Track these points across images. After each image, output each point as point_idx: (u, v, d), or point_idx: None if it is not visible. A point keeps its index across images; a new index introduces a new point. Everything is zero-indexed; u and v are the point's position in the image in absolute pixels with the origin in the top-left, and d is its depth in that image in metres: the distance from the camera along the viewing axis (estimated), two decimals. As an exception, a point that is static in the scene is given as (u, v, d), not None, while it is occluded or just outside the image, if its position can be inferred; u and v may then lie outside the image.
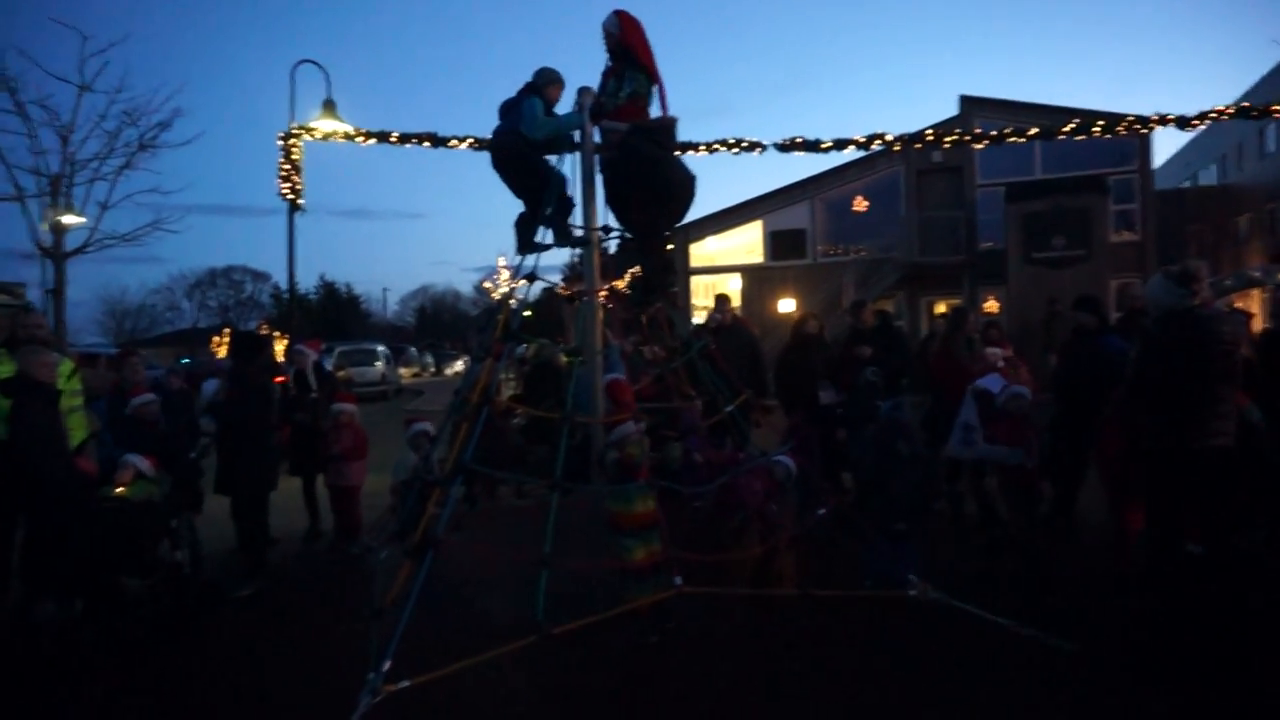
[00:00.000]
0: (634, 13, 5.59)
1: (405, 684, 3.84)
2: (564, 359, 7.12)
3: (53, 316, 12.47)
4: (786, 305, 24.14)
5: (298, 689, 4.41)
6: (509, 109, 5.56)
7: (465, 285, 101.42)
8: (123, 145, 12.40)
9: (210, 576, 5.93)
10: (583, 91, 5.47)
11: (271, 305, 63.83)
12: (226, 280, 69.31)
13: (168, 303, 68.57)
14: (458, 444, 5.05)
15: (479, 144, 13.47)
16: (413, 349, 46.20)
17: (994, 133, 12.59)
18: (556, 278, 27.13)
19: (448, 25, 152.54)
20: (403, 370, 35.91)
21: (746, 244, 25.54)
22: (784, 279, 24.62)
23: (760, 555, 5.09)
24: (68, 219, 12.10)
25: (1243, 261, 31.43)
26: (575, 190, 5.63)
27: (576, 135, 5.59)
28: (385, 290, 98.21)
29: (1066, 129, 12.29)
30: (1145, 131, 14.80)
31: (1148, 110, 14.07)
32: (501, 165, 5.62)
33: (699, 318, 22.77)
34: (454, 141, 13.34)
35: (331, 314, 59.34)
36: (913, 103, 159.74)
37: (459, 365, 44.37)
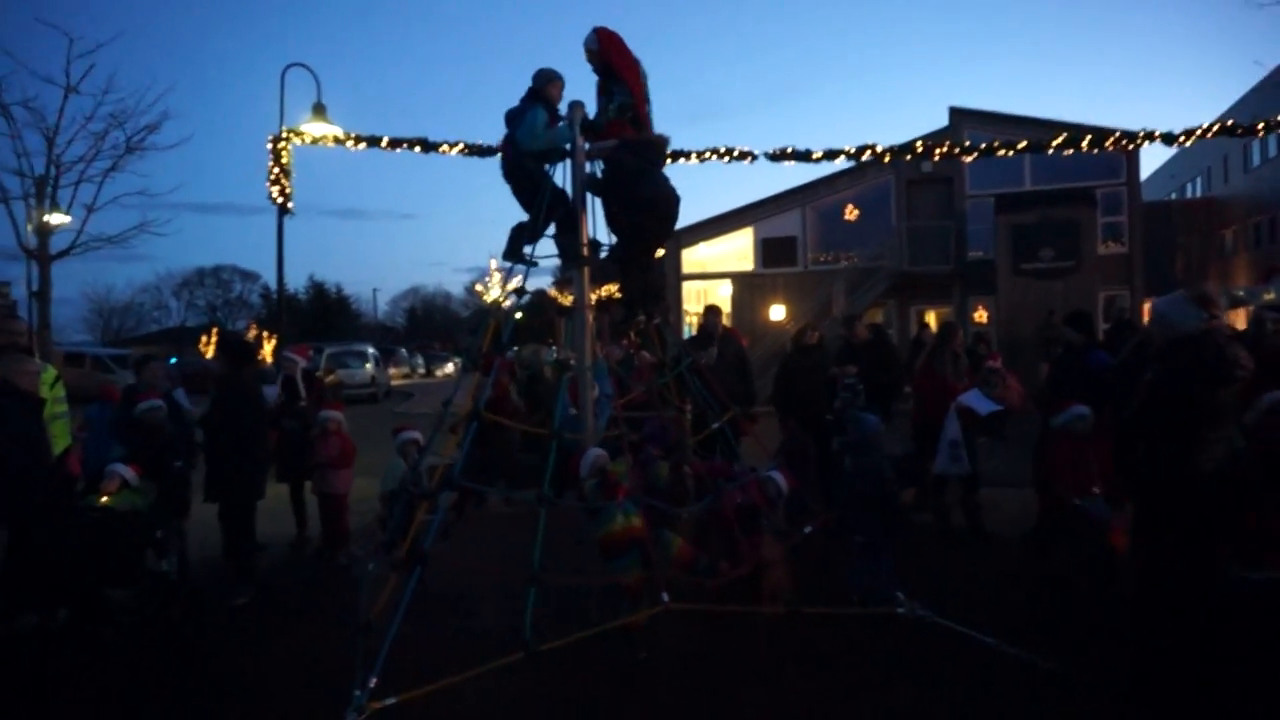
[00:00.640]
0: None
1: (391, 701, 3.82)
2: (551, 370, 7.12)
3: (37, 319, 12.36)
4: (777, 312, 24.21)
5: (283, 702, 4.38)
6: (514, 117, 5.51)
7: (456, 286, 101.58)
8: (109, 148, 12.33)
9: (196, 585, 5.89)
10: (574, 106, 5.47)
11: (260, 305, 63.63)
12: (215, 279, 69.06)
13: (155, 301, 68.34)
14: (448, 454, 5.04)
15: (469, 150, 13.49)
16: (403, 350, 46.05)
17: (983, 145, 12.70)
18: (548, 280, 27.05)
19: (438, 27, 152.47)
20: (392, 371, 35.79)
21: (737, 251, 25.60)
22: (774, 286, 24.70)
23: (750, 571, 5.10)
24: (54, 219, 12.00)
25: (1229, 275, 31.75)
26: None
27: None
28: (375, 291, 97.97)
29: (1055, 143, 12.42)
30: (1132, 147, 14.94)
31: (1135, 124, 14.22)
32: (506, 174, 5.59)
33: (690, 322, 22.90)
34: (444, 147, 13.35)
35: (320, 314, 59.09)
36: (903, 111, 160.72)
37: (449, 367, 44.25)
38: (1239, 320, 20.25)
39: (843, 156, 11.81)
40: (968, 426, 7.44)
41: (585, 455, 5.04)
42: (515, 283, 5.53)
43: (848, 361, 7.86)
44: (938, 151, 13.11)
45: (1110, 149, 13.40)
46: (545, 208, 5.31)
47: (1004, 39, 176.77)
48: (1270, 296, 19.31)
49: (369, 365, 27.76)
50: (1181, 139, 11.63)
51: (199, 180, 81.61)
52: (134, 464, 5.59)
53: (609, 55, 5.41)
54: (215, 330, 55.27)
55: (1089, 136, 12.68)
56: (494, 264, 43.70)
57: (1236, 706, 4.13)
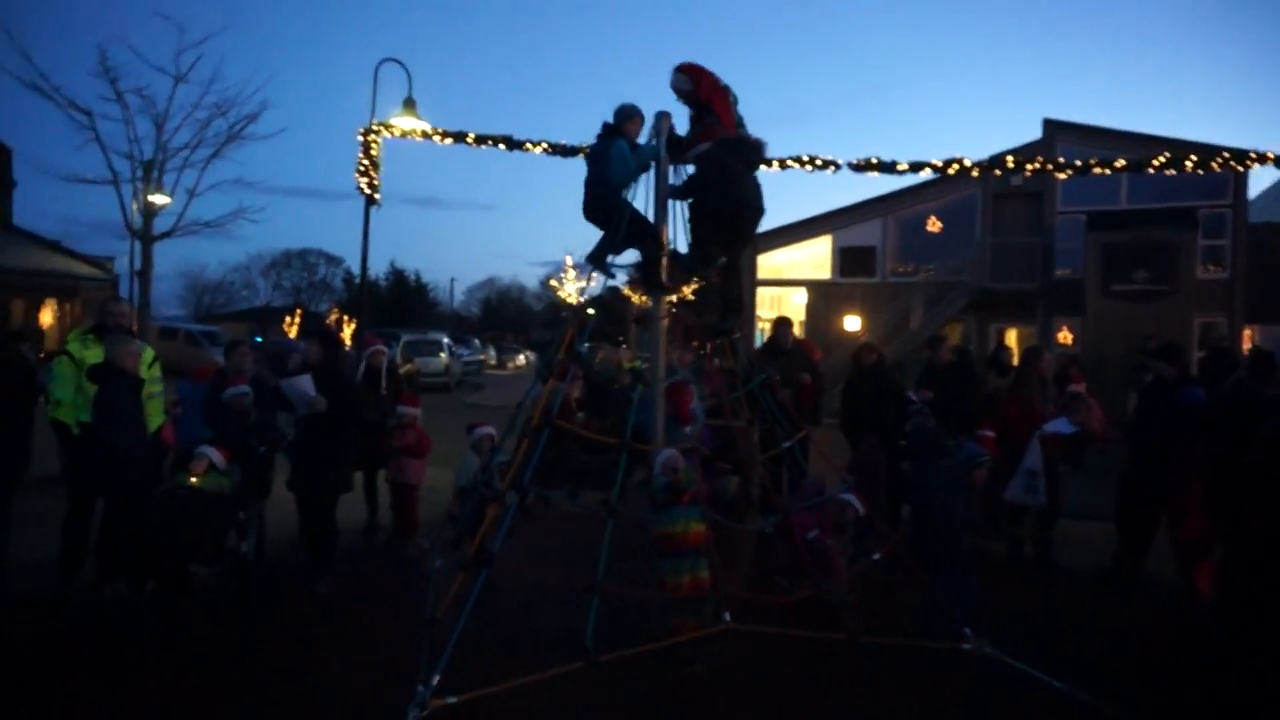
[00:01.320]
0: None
1: (452, 700, 3.90)
2: (625, 377, 7.15)
3: (138, 298, 12.99)
4: (852, 323, 23.82)
5: (346, 690, 4.51)
6: (596, 156, 5.49)
7: (531, 280, 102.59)
8: (212, 135, 12.86)
9: (272, 568, 6.10)
10: (660, 116, 5.46)
11: (343, 289, 65.50)
12: (301, 262, 71.36)
13: (244, 281, 71.07)
14: (518, 460, 5.11)
15: (553, 148, 13.64)
16: (476, 340, 46.86)
17: (1078, 163, 12.22)
18: (622, 276, 27.04)
19: (527, 24, 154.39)
20: (482, 358, 36.57)
21: (815, 258, 25.26)
22: (851, 296, 24.29)
23: (811, 594, 5.04)
24: (158, 199, 12.60)
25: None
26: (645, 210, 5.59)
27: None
28: (453, 280, 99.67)
29: (1156, 163, 11.86)
30: (1241, 169, 14.18)
31: (1243, 142, 13.47)
32: (589, 215, 5.57)
33: (762, 329, 22.71)
34: (529, 145, 13.53)
35: (400, 301, 60.50)
36: (993, 120, 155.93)
37: (520, 359, 44.85)
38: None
39: (929, 170, 11.52)
40: (1050, 455, 7.20)
41: (659, 454, 5.13)
42: (588, 284, 5.58)
43: (927, 384, 7.65)
44: (1029, 167, 12.68)
45: (1217, 169, 12.76)
46: (623, 234, 5.35)
47: (1104, 48, 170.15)
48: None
49: (444, 354, 28.34)
50: (1296, 162, 11.00)
51: (290, 165, 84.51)
52: (222, 447, 5.81)
53: (700, 93, 5.36)
54: (299, 311, 57.19)
55: (1193, 156, 12.10)
56: (569, 260, 44.18)
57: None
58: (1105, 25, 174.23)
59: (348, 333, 37.18)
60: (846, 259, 24.74)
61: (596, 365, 7.35)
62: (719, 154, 5.26)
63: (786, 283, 25.64)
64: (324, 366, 6.32)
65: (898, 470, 7.55)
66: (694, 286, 6.06)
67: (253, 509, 5.96)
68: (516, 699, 4.20)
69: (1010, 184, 22.14)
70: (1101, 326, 19.99)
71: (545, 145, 13.49)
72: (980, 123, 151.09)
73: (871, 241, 24.54)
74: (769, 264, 25.46)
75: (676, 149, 5.47)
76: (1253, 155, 11.83)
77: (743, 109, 5.65)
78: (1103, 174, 12.57)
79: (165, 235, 12.80)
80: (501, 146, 13.72)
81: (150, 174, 12.46)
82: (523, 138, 13.53)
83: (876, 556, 5.44)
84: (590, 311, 6.19)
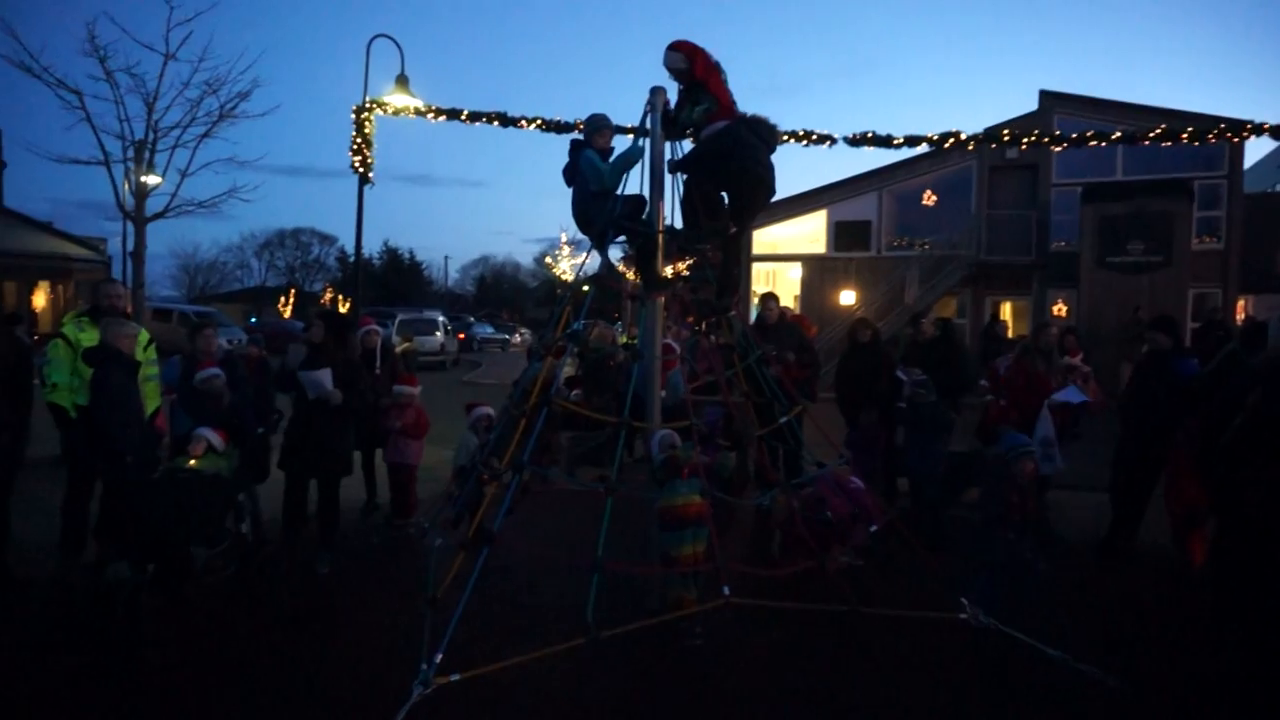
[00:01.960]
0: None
1: (455, 677, 3.94)
2: (620, 353, 7.14)
3: (132, 279, 12.92)
4: (847, 297, 23.83)
5: (350, 667, 4.55)
6: (572, 173, 5.47)
7: (525, 257, 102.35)
8: (204, 114, 12.71)
9: (272, 549, 6.13)
10: (655, 92, 5.41)
11: (336, 268, 65.24)
12: (294, 241, 71.07)
13: (238, 261, 70.77)
14: (516, 439, 5.13)
15: (546, 125, 13.57)
16: (470, 319, 46.82)
17: (1074, 135, 12.20)
18: (616, 255, 27.01)
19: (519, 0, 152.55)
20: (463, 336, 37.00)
21: (810, 233, 25.21)
22: (846, 271, 24.28)
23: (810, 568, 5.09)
24: (150, 179, 12.52)
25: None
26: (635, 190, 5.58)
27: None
28: (447, 258, 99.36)
29: (1152, 134, 11.85)
30: (1237, 140, 14.14)
31: (1239, 113, 13.44)
32: (582, 227, 5.60)
33: (756, 304, 22.67)
34: (523, 122, 13.46)
35: (394, 280, 60.32)
36: (989, 93, 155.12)
37: (515, 338, 44.84)
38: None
39: (925, 143, 11.49)
40: (1059, 425, 7.29)
41: (654, 435, 5.18)
42: (585, 259, 5.56)
43: (914, 361, 7.70)
44: (1025, 140, 12.64)
45: (1213, 141, 12.74)
46: (607, 240, 5.43)
47: (1100, 17, 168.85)
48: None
49: (439, 333, 28.31)
50: (1293, 132, 10.98)
51: (282, 143, 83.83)
52: (220, 429, 5.81)
53: (696, 71, 5.31)
54: (293, 291, 57.01)
55: (1190, 127, 12.08)
56: (564, 236, 43.99)
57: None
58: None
59: (343, 312, 37.11)
60: (842, 233, 24.69)
61: (591, 342, 7.33)
62: (736, 129, 5.23)
63: (782, 258, 25.60)
64: (333, 351, 6.29)
65: (894, 444, 7.62)
66: (689, 263, 6.05)
67: (249, 490, 5.98)
68: (519, 675, 4.25)
69: (1006, 157, 22.08)
70: (1096, 298, 20.03)
71: (539, 122, 13.43)
72: (976, 95, 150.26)
73: (867, 216, 24.49)
74: (764, 239, 25.39)
75: (671, 126, 5.43)
76: (1249, 126, 11.80)
77: (734, 83, 5.60)
78: (1099, 146, 12.55)
79: (158, 216, 12.68)
80: (495, 123, 13.67)
81: (142, 154, 12.32)
82: (516, 114, 13.48)
83: (874, 529, 5.49)
84: (585, 288, 6.18)
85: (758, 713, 4.15)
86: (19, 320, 8.73)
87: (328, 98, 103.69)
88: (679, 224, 5.55)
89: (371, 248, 61.94)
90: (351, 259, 17.65)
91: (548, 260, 53.17)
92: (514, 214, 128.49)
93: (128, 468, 5.50)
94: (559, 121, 13.40)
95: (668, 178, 5.50)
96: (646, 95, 5.45)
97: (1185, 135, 11.75)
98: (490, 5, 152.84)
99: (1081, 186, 21.28)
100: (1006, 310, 23.74)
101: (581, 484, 6.15)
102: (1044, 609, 5.14)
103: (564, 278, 43.46)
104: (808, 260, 24.92)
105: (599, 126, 5.51)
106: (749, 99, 5.54)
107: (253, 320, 41.16)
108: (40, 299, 31.97)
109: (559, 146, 5.78)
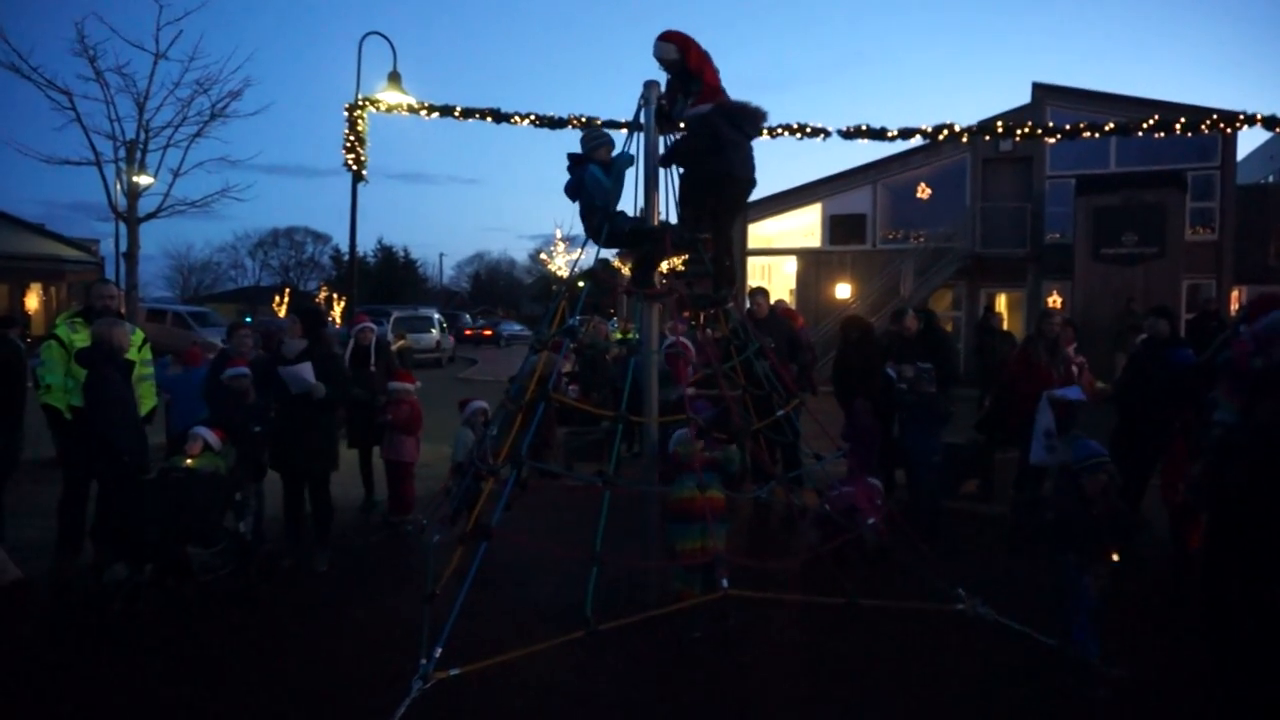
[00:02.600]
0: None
1: (455, 672, 3.93)
2: (614, 350, 7.15)
3: (126, 280, 12.86)
4: (843, 291, 23.82)
5: (349, 663, 4.55)
6: (575, 190, 5.46)
7: (520, 254, 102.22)
8: (195, 113, 12.64)
9: (271, 547, 6.12)
10: (648, 86, 5.41)
11: (331, 267, 65.09)
12: (288, 240, 70.91)
13: (232, 260, 70.58)
14: (513, 433, 5.13)
15: (540, 121, 13.55)
16: (466, 316, 46.80)
17: (1068, 126, 12.22)
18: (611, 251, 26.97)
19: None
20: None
21: (804, 227, 25.18)
22: (841, 264, 24.26)
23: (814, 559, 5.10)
24: (142, 179, 12.44)
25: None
26: (629, 190, 5.59)
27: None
28: (441, 255, 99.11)
29: (1145, 125, 11.87)
30: (1230, 131, 14.17)
31: (1233, 103, 13.51)
32: (592, 236, 5.61)
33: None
34: (516, 118, 13.44)
35: (388, 278, 60.23)
36: (982, 86, 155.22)
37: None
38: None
39: (919, 136, 11.51)
40: (1060, 418, 7.28)
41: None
42: (580, 255, 5.57)
43: (900, 357, 7.70)
44: (1019, 132, 12.66)
45: (1206, 132, 12.76)
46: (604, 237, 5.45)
47: (1093, 9, 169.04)
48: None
49: (434, 331, 28.28)
50: (1285, 122, 11.01)
51: (275, 142, 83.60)
52: (217, 428, 5.80)
53: (689, 62, 5.30)
54: (288, 291, 56.89)
55: (1182, 118, 12.10)
56: (559, 232, 43.99)
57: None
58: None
59: (338, 310, 37.05)
60: (836, 227, 24.67)
61: (587, 338, 7.36)
62: (714, 120, 5.21)
63: (777, 252, 25.58)
64: (311, 346, 6.28)
65: (889, 431, 7.65)
66: (684, 257, 6.04)
67: (249, 490, 5.97)
68: (518, 669, 4.25)
69: (999, 149, 22.08)
70: (1090, 290, 20.06)
71: (533, 118, 13.41)
72: (969, 88, 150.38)
73: (862, 209, 24.46)
74: (759, 233, 25.38)
75: (664, 119, 5.43)
76: (1241, 117, 11.84)
77: (725, 79, 5.60)
78: (1092, 138, 12.57)
79: (151, 216, 12.61)
80: (489, 120, 13.64)
81: (133, 154, 12.25)
82: (510, 110, 13.47)
83: (872, 521, 5.50)
84: (581, 284, 6.19)
85: (757, 705, 4.16)
86: (14, 323, 8.66)
87: (320, 96, 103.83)
88: (676, 224, 5.57)
89: (366, 246, 61.93)
90: (346, 257, 17.66)
91: (542, 256, 53.18)
92: (508, 211, 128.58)
93: (123, 467, 5.48)
94: (553, 117, 13.39)
95: (661, 172, 5.51)
96: (640, 90, 5.45)
97: (1178, 126, 11.77)
98: (483, 1, 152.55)
99: (1075, 179, 21.29)
100: (1001, 302, 23.75)
101: (579, 478, 6.16)
102: (1044, 609, 5.15)
103: (559, 274, 43.46)
104: (803, 254, 24.90)
105: (601, 142, 5.47)
106: (740, 94, 5.51)
107: (247, 320, 41.03)
108: (33, 301, 31.87)
109: (553, 143, 5.82)
